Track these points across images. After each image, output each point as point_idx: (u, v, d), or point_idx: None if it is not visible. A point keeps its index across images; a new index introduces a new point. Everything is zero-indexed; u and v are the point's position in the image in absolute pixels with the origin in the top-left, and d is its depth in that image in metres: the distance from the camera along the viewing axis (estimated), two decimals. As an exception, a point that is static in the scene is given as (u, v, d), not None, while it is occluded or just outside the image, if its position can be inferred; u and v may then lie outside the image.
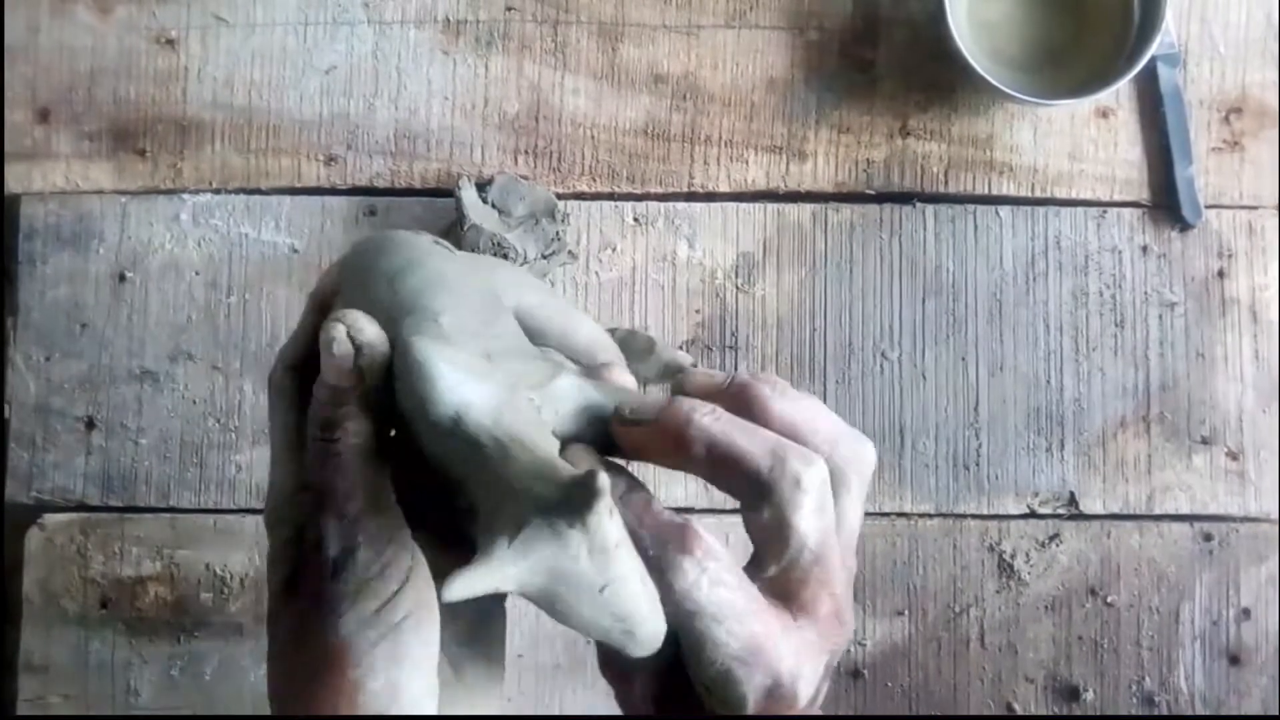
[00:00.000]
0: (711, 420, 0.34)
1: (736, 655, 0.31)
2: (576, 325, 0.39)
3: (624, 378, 0.37)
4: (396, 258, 0.35)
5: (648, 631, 0.30)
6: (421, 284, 0.34)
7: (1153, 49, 0.64)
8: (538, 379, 0.33)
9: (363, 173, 0.70)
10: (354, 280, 0.35)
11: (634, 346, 0.68)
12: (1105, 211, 0.69)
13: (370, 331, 0.32)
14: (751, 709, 0.32)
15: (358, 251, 0.36)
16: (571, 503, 0.28)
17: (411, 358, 0.31)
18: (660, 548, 0.32)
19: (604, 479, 0.28)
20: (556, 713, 0.66)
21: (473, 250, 0.65)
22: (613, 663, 0.35)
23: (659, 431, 0.34)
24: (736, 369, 0.68)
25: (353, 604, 0.31)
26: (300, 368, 0.36)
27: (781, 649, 0.32)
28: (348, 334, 0.32)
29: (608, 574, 0.29)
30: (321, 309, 0.36)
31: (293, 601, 0.34)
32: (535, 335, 0.37)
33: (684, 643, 0.32)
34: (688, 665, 0.33)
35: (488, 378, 0.31)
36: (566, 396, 0.34)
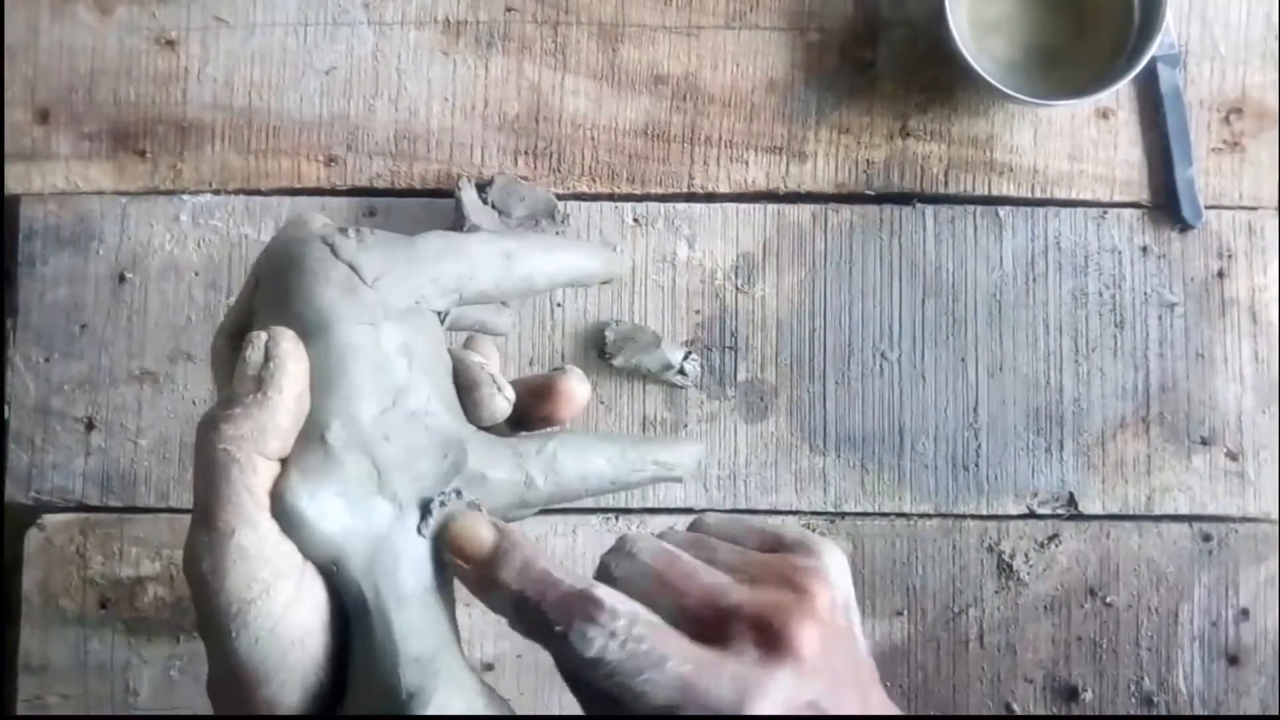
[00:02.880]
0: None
1: (667, 701, 0.31)
2: (538, 274, 0.38)
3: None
4: (307, 310, 0.34)
5: None
6: (322, 365, 0.33)
7: (1153, 49, 0.64)
8: (430, 478, 0.34)
9: (363, 173, 0.70)
10: (269, 303, 0.35)
11: (640, 341, 0.68)
12: (1105, 212, 0.70)
13: (285, 348, 0.33)
14: None
15: (273, 268, 0.36)
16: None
17: (284, 505, 0.32)
18: (564, 620, 0.32)
19: (438, 699, 0.31)
20: (556, 713, 0.66)
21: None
22: None
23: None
24: (737, 369, 0.69)
25: (242, 626, 0.31)
26: (239, 337, 0.36)
27: (713, 678, 0.31)
28: (265, 344, 0.33)
29: None
30: (258, 283, 0.37)
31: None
32: (507, 296, 0.38)
33: (621, 706, 0.32)
34: None
35: (367, 515, 0.33)
36: (471, 482, 0.35)
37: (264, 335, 0.33)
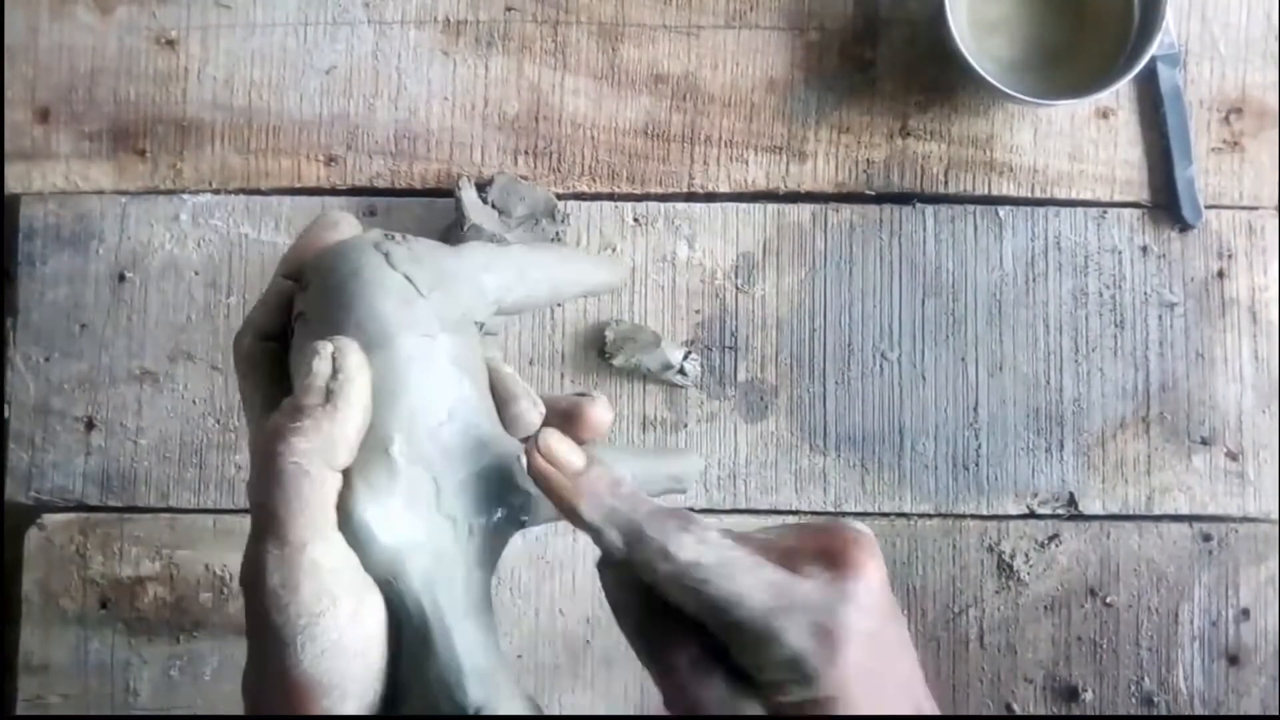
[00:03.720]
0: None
1: (762, 605, 0.32)
2: (559, 286, 0.39)
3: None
4: (369, 321, 0.34)
5: None
6: (384, 377, 0.34)
7: (1153, 49, 0.64)
8: (485, 494, 0.34)
9: (363, 173, 0.70)
10: (323, 311, 0.35)
11: (640, 340, 0.68)
12: (1105, 212, 0.70)
13: (354, 361, 0.33)
14: (814, 663, 0.31)
15: (329, 274, 0.36)
16: None
17: (351, 518, 0.32)
18: (660, 528, 0.33)
19: (502, 712, 0.31)
20: (556, 713, 0.66)
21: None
22: (654, 649, 0.35)
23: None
24: (737, 369, 0.69)
25: (309, 640, 0.31)
26: (272, 337, 0.36)
27: (803, 585, 0.32)
28: (332, 354, 0.33)
29: None
30: (292, 277, 0.37)
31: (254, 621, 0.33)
32: (525, 308, 0.39)
33: (718, 633, 0.33)
34: (744, 664, 0.33)
35: (428, 529, 0.33)
36: (520, 498, 0.35)
37: (330, 346, 0.33)
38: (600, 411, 0.38)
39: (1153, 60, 0.67)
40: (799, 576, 0.32)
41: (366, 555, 0.32)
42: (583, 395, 0.38)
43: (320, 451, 0.32)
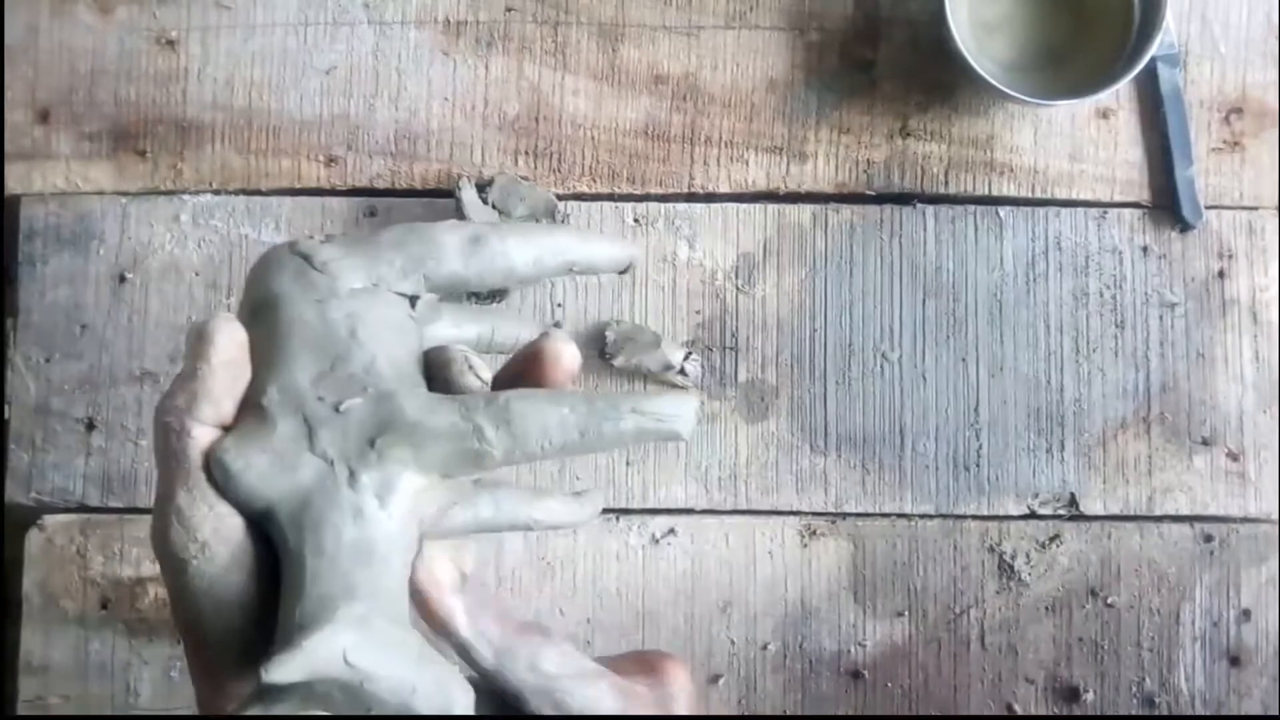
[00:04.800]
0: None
1: (618, 708, 0.37)
2: (510, 259, 0.38)
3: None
4: (258, 293, 0.36)
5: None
6: (266, 339, 0.35)
7: (1153, 49, 0.64)
8: (362, 432, 0.34)
9: (363, 173, 0.70)
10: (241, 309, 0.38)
11: (640, 341, 0.68)
12: (1106, 212, 0.69)
13: (214, 326, 0.35)
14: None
15: (248, 279, 0.38)
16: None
17: (214, 463, 0.33)
18: (527, 645, 0.36)
19: (325, 632, 0.31)
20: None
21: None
22: None
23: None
24: (737, 370, 0.68)
25: (183, 586, 0.33)
26: None
27: (639, 689, 0.38)
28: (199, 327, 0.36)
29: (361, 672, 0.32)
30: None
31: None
32: (487, 283, 0.38)
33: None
34: None
35: (294, 469, 0.33)
36: (407, 433, 0.35)
37: (204, 320, 0.35)
38: (557, 344, 0.37)
39: (1153, 61, 0.67)
40: (635, 684, 0.38)
41: (234, 497, 0.33)
42: (543, 335, 0.37)
43: (184, 408, 0.33)
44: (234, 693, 0.33)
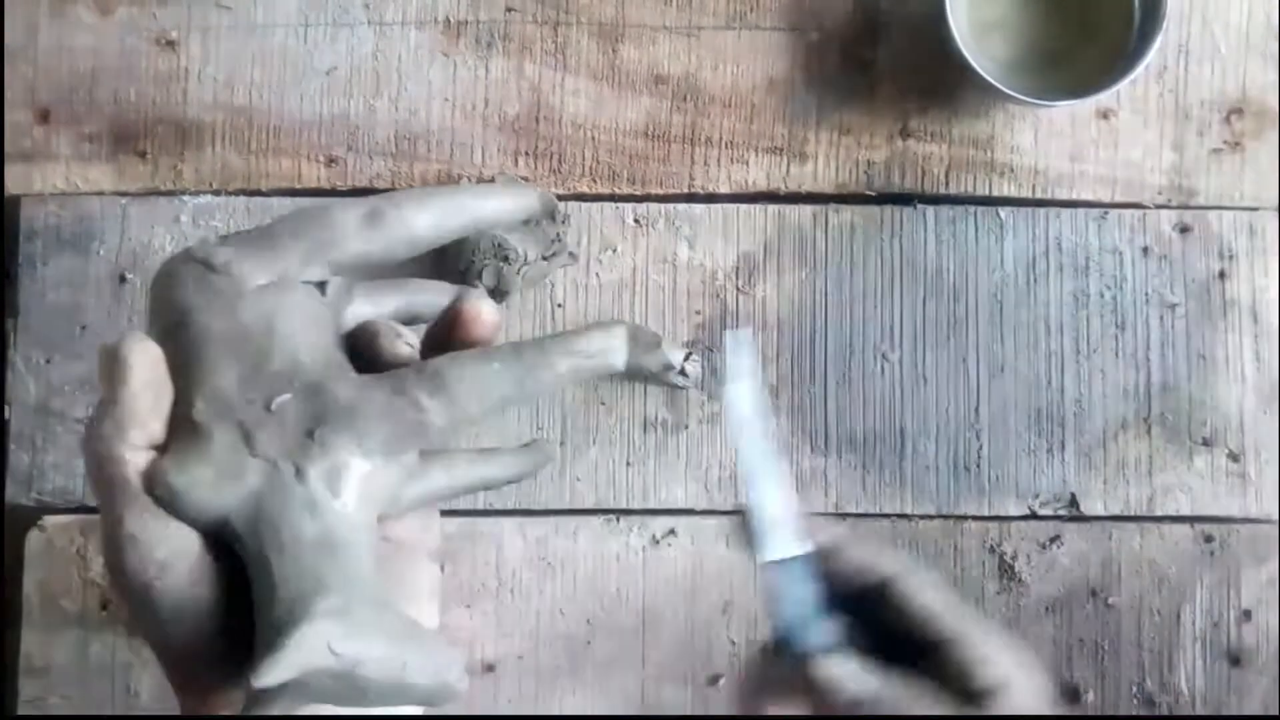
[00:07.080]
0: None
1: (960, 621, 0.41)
2: (411, 227, 0.37)
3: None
4: (166, 311, 0.36)
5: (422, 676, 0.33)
6: (184, 353, 0.35)
7: (1153, 49, 0.64)
8: (298, 426, 0.34)
9: (363, 174, 0.70)
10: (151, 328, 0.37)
11: (641, 340, 0.68)
12: (1106, 213, 0.69)
13: (126, 347, 0.34)
14: (996, 657, 0.41)
15: (151, 294, 0.37)
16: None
17: (158, 484, 0.33)
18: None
19: (297, 634, 0.31)
20: (556, 713, 0.66)
21: (472, 252, 0.65)
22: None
23: None
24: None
25: (147, 608, 0.33)
26: None
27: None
28: (110, 350, 0.35)
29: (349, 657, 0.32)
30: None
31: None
32: (394, 255, 0.38)
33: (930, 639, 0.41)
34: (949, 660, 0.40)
35: (238, 476, 0.33)
36: (344, 418, 0.34)
37: (113, 344, 0.34)
38: (475, 303, 0.37)
39: (1147, 68, 0.67)
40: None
41: (185, 515, 0.33)
42: (459, 298, 0.37)
43: (111, 434, 0.33)
44: (218, 701, 0.33)
